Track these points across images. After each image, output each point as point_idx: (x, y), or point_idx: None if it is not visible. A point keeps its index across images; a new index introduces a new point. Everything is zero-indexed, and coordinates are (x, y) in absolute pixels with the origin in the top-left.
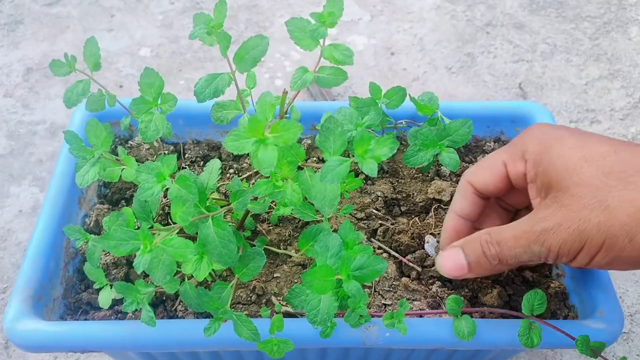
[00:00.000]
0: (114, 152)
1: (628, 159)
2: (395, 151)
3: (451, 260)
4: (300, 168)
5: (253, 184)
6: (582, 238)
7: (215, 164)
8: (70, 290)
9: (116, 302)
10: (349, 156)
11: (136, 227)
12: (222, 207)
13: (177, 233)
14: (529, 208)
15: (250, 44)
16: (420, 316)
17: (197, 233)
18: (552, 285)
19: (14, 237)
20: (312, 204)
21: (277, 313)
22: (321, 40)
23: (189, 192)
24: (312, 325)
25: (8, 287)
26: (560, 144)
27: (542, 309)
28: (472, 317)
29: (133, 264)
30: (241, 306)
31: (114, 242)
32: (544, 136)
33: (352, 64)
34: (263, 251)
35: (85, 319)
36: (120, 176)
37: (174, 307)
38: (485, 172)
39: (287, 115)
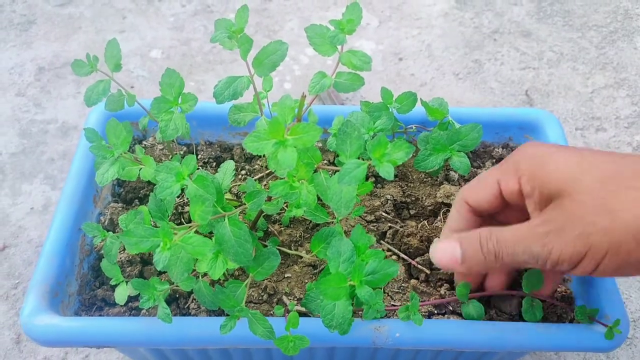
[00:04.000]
0: (131, 150)
1: (624, 165)
2: (411, 155)
3: (444, 250)
4: (315, 170)
5: (265, 185)
6: (587, 243)
7: (229, 165)
8: (85, 286)
9: (130, 299)
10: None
11: (152, 225)
12: (236, 207)
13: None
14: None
15: (269, 48)
16: (429, 317)
17: (211, 232)
18: (558, 289)
19: (25, 235)
20: (324, 206)
21: (290, 312)
22: (339, 47)
23: (207, 191)
24: (328, 329)
25: (19, 283)
26: (553, 158)
27: (539, 286)
28: (478, 301)
29: (153, 261)
30: (253, 305)
31: (135, 239)
32: (536, 153)
33: (369, 70)
34: (277, 251)
35: (100, 315)
36: (139, 175)
37: (187, 305)
38: (479, 191)
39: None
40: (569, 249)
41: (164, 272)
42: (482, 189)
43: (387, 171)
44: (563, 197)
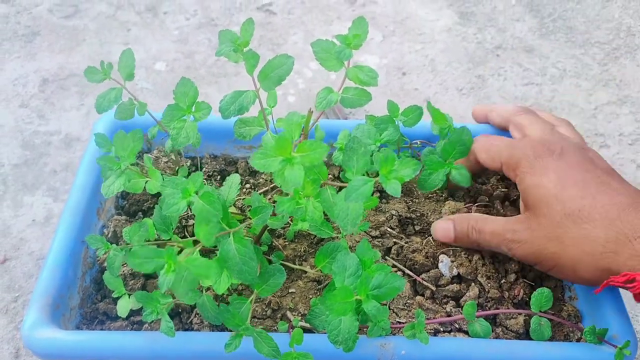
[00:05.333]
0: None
1: (587, 205)
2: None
3: (443, 228)
4: (321, 186)
5: (270, 199)
6: (538, 258)
7: (235, 179)
8: (87, 299)
9: (132, 313)
10: (368, 175)
11: (156, 238)
12: (239, 222)
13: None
14: None
15: (275, 62)
16: (435, 334)
17: (216, 247)
18: (564, 308)
19: (26, 247)
20: (329, 221)
21: (294, 328)
22: (345, 62)
23: (214, 208)
24: (334, 345)
25: (19, 296)
26: (543, 174)
27: (548, 305)
28: (486, 320)
29: (157, 283)
30: (257, 320)
31: (139, 260)
32: (535, 160)
33: (376, 85)
34: (283, 268)
35: (101, 329)
36: (144, 188)
37: (190, 320)
38: (487, 158)
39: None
40: (527, 257)
41: None
42: (489, 158)
43: (394, 188)
44: (534, 215)
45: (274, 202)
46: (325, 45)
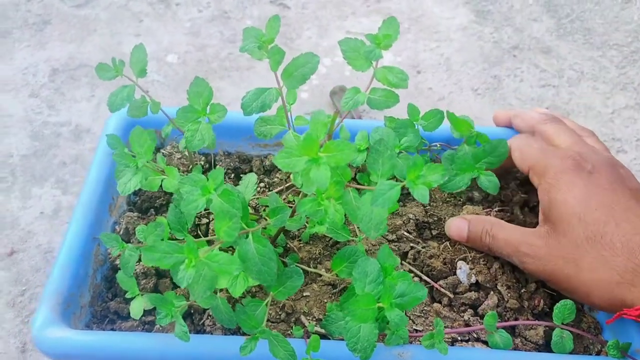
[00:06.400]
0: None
1: (609, 232)
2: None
3: (457, 226)
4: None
5: (284, 199)
6: (551, 277)
7: (251, 178)
8: (97, 298)
9: (143, 313)
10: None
11: (170, 237)
12: (256, 221)
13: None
14: None
15: (300, 61)
16: (452, 344)
17: (230, 247)
18: (584, 319)
19: (34, 240)
20: (346, 225)
21: (309, 333)
22: (374, 62)
23: (233, 207)
24: (353, 353)
25: (26, 289)
26: (569, 190)
27: (571, 317)
28: (505, 330)
29: (176, 279)
30: (271, 324)
31: (158, 255)
32: (563, 173)
33: (406, 87)
34: (300, 270)
35: (112, 329)
36: (161, 185)
37: (202, 321)
38: (519, 155)
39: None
40: (539, 273)
41: (179, 286)
42: (521, 158)
43: (422, 194)
44: (554, 231)
45: (289, 202)
46: (354, 44)
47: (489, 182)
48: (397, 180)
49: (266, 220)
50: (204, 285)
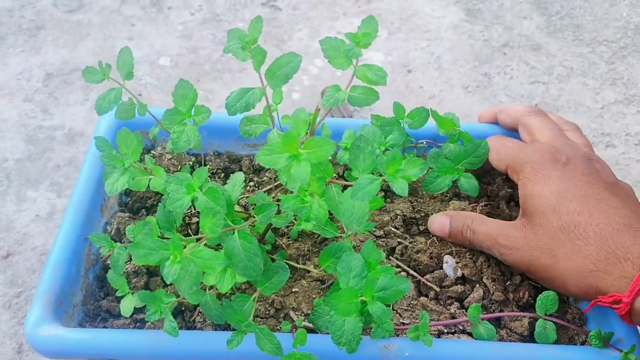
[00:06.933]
0: (140, 161)
1: (583, 222)
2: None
3: (439, 222)
4: (327, 184)
5: (273, 197)
6: (530, 268)
7: (239, 177)
8: (90, 297)
9: (135, 311)
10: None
11: (159, 236)
12: (244, 220)
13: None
14: None
15: (283, 60)
16: (439, 336)
17: (218, 245)
18: (569, 310)
19: (29, 242)
20: (333, 221)
21: (297, 328)
22: (354, 60)
23: (218, 204)
24: (337, 346)
25: (22, 291)
26: (545, 183)
27: (554, 308)
28: (491, 322)
29: (162, 274)
30: (260, 319)
31: (144, 252)
32: (539, 167)
33: (385, 85)
34: (287, 265)
35: (104, 327)
36: (148, 185)
37: (193, 318)
38: (495, 156)
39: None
40: (517, 264)
41: (171, 284)
42: (498, 158)
43: (401, 187)
44: (530, 223)
45: (278, 200)
46: (334, 43)
47: (469, 184)
48: (380, 176)
49: (254, 217)
50: (190, 280)
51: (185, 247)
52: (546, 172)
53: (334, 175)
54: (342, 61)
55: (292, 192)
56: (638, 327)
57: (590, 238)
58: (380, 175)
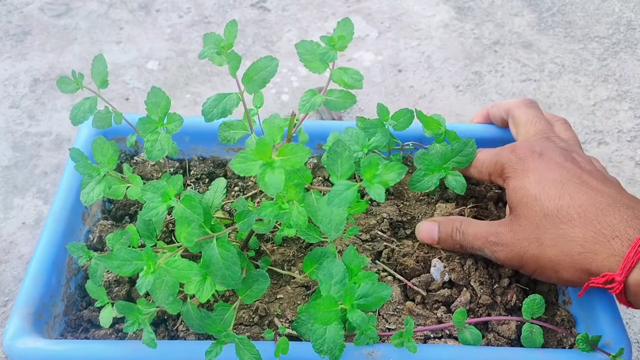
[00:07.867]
0: (119, 168)
1: (565, 205)
2: (404, 176)
3: (427, 229)
4: (306, 190)
5: (258, 202)
6: (521, 261)
7: (220, 183)
8: (72, 307)
9: (117, 321)
10: (356, 179)
11: (140, 244)
12: (226, 226)
13: (181, 252)
14: None
15: (259, 64)
16: (425, 341)
17: (200, 252)
18: (558, 312)
19: (16, 250)
20: (317, 226)
21: (280, 335)
22: (330, 63)
23: (194, 212)
24: (319, 355)
25: (9, 300)
26: (524, 176)
27: (540, 312)
28: (477, 326)
29: (136, 285)
30: (243, 327)
31: (117, 262)
32: (517, 163)
33: (361, 88)
34: (267, 273)
35: (86, 337)
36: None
37: (175, 327)
38: (473, 170)
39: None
40: (509, 260)
41: None
42: (477, 171)
43: (378, 193)
44: (516, 217)
45: None
46: (310, 46)
47: (456, 182)
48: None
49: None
50: (166, 291)
51: (160, 257)
52: (524, 165)
53: (320, 178)
54: (318, 65)
55: (272, 199)
56: (628, 326)
57: (574, 220)
58: (361, 180)
